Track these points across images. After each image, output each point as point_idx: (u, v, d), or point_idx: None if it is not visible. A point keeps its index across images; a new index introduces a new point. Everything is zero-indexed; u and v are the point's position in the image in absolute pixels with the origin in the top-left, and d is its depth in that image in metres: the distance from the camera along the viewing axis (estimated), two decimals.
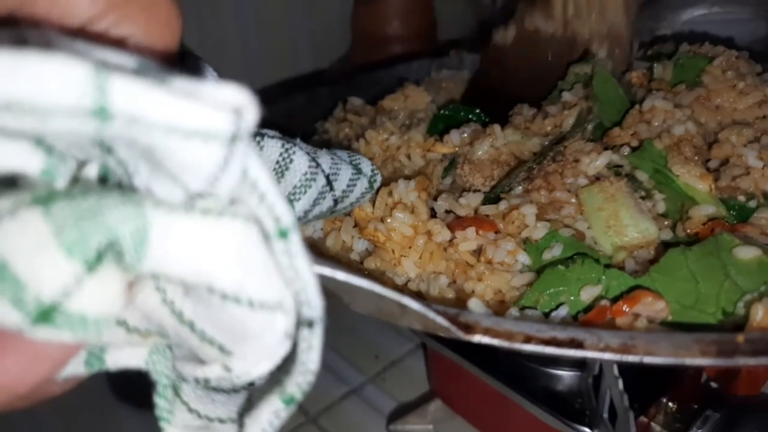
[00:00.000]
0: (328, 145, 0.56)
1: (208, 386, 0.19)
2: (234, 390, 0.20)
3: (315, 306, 0.17)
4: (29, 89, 0.12)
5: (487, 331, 0.26)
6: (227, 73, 0.20)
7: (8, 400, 0.16)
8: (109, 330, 0.17)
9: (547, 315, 0.34)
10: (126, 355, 0.19)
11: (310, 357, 0.18)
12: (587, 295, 0.34)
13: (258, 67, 0.71)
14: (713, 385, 0.50)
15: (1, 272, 0.13)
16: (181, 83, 0.14)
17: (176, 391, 0.20)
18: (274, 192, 0.16)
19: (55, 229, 0.13)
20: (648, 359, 0.25)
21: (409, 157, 0.50)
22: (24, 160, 0.15)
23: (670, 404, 0.50)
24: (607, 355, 0.26)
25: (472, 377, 0.51)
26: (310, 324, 0.17)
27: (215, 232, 0.15)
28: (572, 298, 0.34)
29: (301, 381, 0.18)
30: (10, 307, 0.14)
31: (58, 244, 0.13)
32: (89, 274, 0.14)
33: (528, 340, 0.26)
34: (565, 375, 0.49)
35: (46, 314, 0.14)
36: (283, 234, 0.16)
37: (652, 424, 0.49)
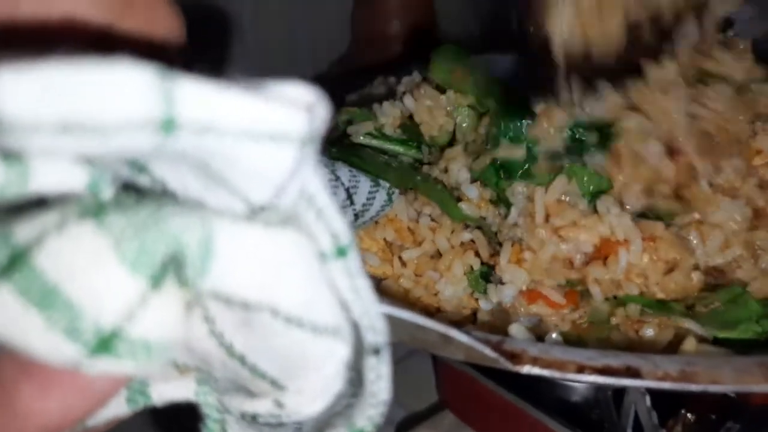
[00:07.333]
0: None
1: (255, 421, 0.17)
2: (280, 425, 0.18)
3: (380, 330, 0.16)
4: (91, 106, 0.10)
5: (535, 361, 0.23)
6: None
7: None
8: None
9: None
10: (173, 388, 0.17)
11: (380, 387, 0.16)
12: None
13: (256, 67, 0.69)
14: (731, 394, 0.49)
15: (51, 298, 0.11)
16: (245, 81, 0.12)
17: (223, 426, 0.18)
18: (333, 207, 0.14)
19: (113, 242, 0.11)
20: (713, 388, 0.23)
21: None
22: (67, 175, 0.12)
23: (689, 416, 0.48)
24: (666, 385, 0.23)
25: (483, 388, 0.49)
26: (376, 351, 0.16)
27: (280, 246, 0.13)
28: None
29: (372, 414, 0.16)
30: (63, 339, 0.11)
31: (119, 258, 0.11)
32: (154, 291, 0.12)
33: (581, 369, 0.23)
34: (581, 385, 0.47)
35: (106, 343, 0.12)
36: (341, 252, 0.15)
37: None
